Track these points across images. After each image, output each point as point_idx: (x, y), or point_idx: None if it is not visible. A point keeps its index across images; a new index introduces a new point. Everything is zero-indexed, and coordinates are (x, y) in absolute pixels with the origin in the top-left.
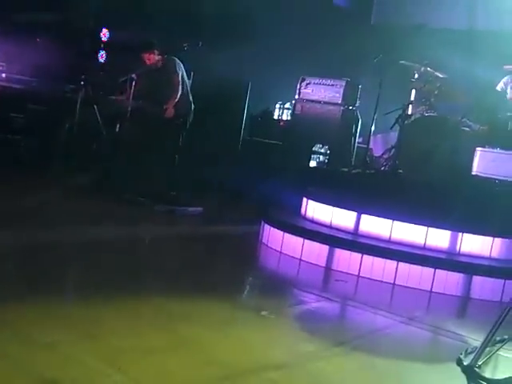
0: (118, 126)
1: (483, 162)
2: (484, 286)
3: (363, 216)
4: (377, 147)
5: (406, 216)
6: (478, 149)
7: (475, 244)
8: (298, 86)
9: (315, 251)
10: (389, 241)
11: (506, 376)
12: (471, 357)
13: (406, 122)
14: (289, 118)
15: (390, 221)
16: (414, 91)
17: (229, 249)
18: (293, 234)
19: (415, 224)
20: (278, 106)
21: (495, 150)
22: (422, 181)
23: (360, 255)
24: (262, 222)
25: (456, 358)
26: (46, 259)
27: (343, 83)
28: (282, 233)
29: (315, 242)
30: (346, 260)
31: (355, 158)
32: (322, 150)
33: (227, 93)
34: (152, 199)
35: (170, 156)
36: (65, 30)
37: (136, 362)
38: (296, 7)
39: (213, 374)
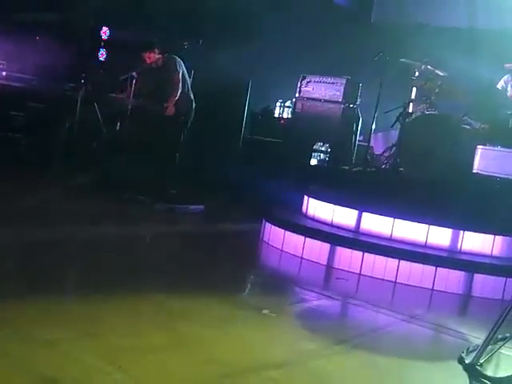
0: (118, 124)
1: (484, 160)
2: (485, 284)
3: (364, 214)
4: (377, 145)
5: (407, 214)
6: (478, 147)
7: (476, 242)
8: (299, 84)
9: (316, 249)
10: (390, 239)
11: (508, 374)
12: (473, 355)
13: (406, 120)
14: (289, 116)
15: (391, 219)
16: (414, 89)
17: (230, 247)
18: (294, 232)
19: (416, 222)
20: (278, 104)
21: (496, 148)
22: (422, 179)
23: (361, 253)
24: (263, 220)
25: (458, 356)
26: (46, 258)
27: (344, 81)
28: (283, 231)
29: (316, 240)
30: (348, 258)
31: (356, 156)
32: (323, 148)
33: (228, 91)
34: (152, 198)
35: (171, 154)
36: (65, 28)
37: (136, 361)
38: (297, 6)
39: (213, 372)
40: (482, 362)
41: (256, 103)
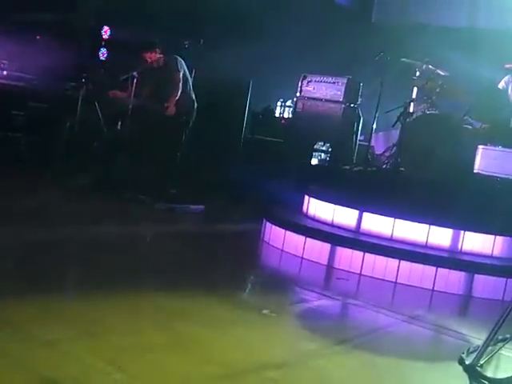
0: (119, 124)
1: (485, 160)
2: (486, 285)
3: (365, 214)
4: (378, 145)
5: (407, 214)
6: (479, 147)
7: (477, 242)
8: (300, 84)
9: (317, 249)
10: (390, 239)
11: (508, 375)
12: (473, 356)
13: (407, 119)
14: (290, 115)
15: (392, 219)
16: (415, 89)
17: (230, 247)
18: (294, 232)
19: (417, 222)
20: (279, 103)
21: (497, 148)
22: (423, 179)
23: (362, 253)
24: (264, 220)
25: (458, 356)
26: (46, 258)
27: (345, 81)
28: (283, 231)
29: (317, 240)
30: (348, 258)
31: (357, 156)
32: (324, 148)
33: (229, 90)
34: (153, 197)
35: (172, 154)
36: (66, 27)
37: (136, 360)
38: (298, 5)
39: (213, 372)
40: (482, 363)
41: (257, 103)
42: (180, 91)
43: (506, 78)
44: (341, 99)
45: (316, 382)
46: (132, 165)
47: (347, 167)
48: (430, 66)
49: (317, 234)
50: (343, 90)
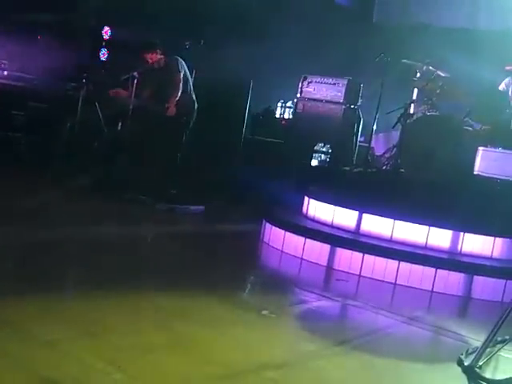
0: (119, 124)
1: (485, 162)
2: (485, 286)
3: (365, 215)
4: (378, 146)
5: (407, 215)
6: (480, 148)
7: (477, 244)
8: (300, 85)
9: (316, 250)
10: (390, 240)
11: (507, 376)
12: (472, 357)
13: (407, 120)
14: (290, 116)
15: (392, 220)
16: (416, 90)
17: (230, 247)
18: (294, 232)
19: (417, 223)
20: (279, 104)
21: (497, 150)
22: (423, 180)
23: (361, 254)
24: (264, 221)
25: (457, 358)
26: (46, 258)
27: (345, 82)
28: (283, 232)
29: (316, 241)
30: (348, 259)
31: (357, 157)
32: (324, 149)
33: (229, 91)
34: (153, 198)
35: (172, 154)
36: (66, 28)
37: (136, 360)
38: (298, 6)
39: (213, 372)
40: (481, 364)
41: (257, 103)
42: (180, 92)
43: (507, 79)
44: (341, 100)
45: (315, 382)
46: (132, 165)
47: (347, 168)
48: (431, 68)
49: (316, 235)
50: (344, 91)
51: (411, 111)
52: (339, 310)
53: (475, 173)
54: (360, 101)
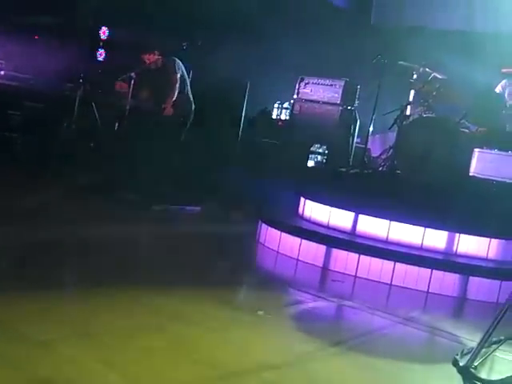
0: (116, 124)
1: (481, 163)
2: (480, 287)
3: (360, 216)
4: (375, 147)
5: (403, 216)
6: (475, 150)
7: (472, 245)
8: (297, 86)
9: (312, 251)
10: (386, 241)
11: (502, 377)
12: (467, 357)
13: (404, 122)
14: (287, 117)
15: (388, 221)
16: (412, 92)
17: (226, 248)
18: (290, 233)
19: (412, 224)
20: (276, 105)
21: (493, 151)
22: (419, 181)
23: (357, 255)
24: (260, 222)
25: (452, 358)
26: (41, 258)
27: (342, 83)
28: (279, 232)
29: (312, 242)
30: (343, 260)
31: (353, 158)
32: (320, 150)
33: (226, 92)
34: (149, 198)
35: (169, 155)
36: (64, 28)
37: (131, 362)
38: (295, 7)
39: (208, 373)
40: (476, 364)
41: (254, 104)
42: (177, 92)
43: (503, 82)
44: (338, 101)
45: (311, 383)
46: (129, 165)
47: (343, 169)
48: (427, 69)
49: (312, 236)
50: (340, 92)
51: (408, 113)
52: (335, 310)
53: (471, 174)
54: (357, 102)
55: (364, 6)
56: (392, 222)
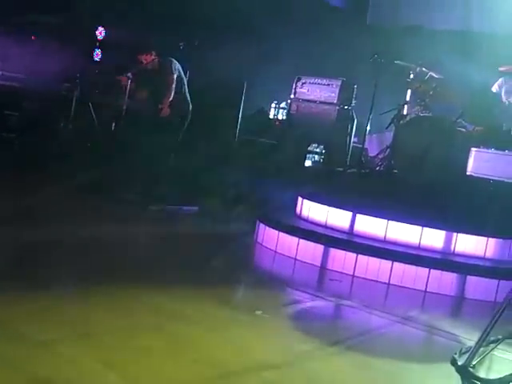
0: (113, 124)
1: (478, 163)
2: (478, 286)
3: (358, 216)
4: (372, 147)
5: (400, 216)
6: (472, 149)
7: (470, 244)
8: (294, 86)
9: (310, 251)
10: (384, 241)
11: (500, 376)
12: (465, 356)
13: (401, 122)
14: (284, 117)
15: (385, 221)
16: (409, 91)
17: (224, 248)
18: (288, 233)
19: (410, 224)
20: (273, 105)
21: (490, 151)
22: (416, 181)
23: (355, 255)
24: (258, 222)
25: (450, 357)
26: (39, 258)
27: (339, 83)
28: (277, 232)
29: (310, 242)
30: (341, 260)
31: (350, 158)
32: (318, 150)
33: (223, 92)
34: (147, 198)
35: (166, 155)
36: (61, 28)
37: (131, 362)
38: (292, 7)
39: (207, 373)
40: (474, 363)
41: (251, 104)
42: (173, 93)
43: (500, 80)
44: (335, 101)
45: (309, 382)
46: (126, 165)
47: (341, 169)
48: (424, 69)
49: (310, 236)
50: (337, 91)
51: (404, 112)
52: (333, 310)
53: (468, 173)
54: (354, 102)
55: (360, 6)
56: (390, 222)
